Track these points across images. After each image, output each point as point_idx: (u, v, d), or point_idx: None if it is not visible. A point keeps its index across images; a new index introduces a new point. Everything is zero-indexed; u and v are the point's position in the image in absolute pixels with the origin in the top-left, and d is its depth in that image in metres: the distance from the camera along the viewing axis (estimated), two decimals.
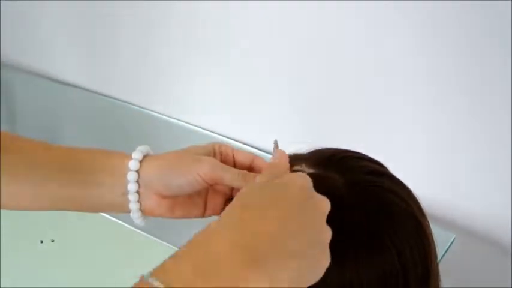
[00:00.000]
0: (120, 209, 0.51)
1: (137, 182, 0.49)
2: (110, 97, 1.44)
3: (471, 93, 0.96)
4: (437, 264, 0.52)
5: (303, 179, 0.41)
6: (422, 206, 0.52)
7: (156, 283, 0.33)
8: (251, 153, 0.52)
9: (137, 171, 0.49)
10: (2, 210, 0.53)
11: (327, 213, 0.40)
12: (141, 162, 0.50)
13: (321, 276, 0.39)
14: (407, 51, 0.99)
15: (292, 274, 0.36)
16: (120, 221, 1.34)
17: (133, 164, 0.49)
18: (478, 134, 0.99)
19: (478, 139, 0.99)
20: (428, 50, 0.97)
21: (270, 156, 0.49)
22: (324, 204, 0.40)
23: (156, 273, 0.34)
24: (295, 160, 0.51)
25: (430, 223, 0.52)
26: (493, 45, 0.91)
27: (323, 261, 0.39)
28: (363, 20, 1.01)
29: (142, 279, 0.34)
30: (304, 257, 0.37)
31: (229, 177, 0.48)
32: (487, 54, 0.92)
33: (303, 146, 0.55)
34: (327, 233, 0.39)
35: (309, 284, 0.38)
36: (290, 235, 0.37)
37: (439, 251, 0.90)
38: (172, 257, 0.35)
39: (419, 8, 0.93)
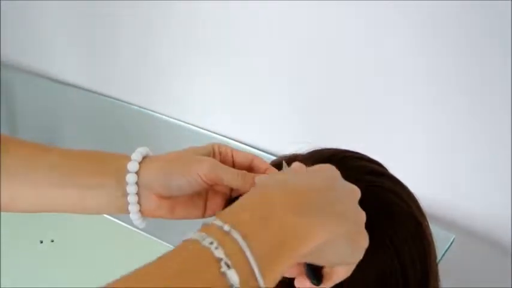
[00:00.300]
0: (119, 210, 0.51)
1: (136, 183, 0.49)
2: (110, 97, 1.44)
3: (471, 93, 0.97)
4: (436, 264, 0.52)
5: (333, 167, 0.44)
6: (421, 206, 0.52)
7: (219, 222, 0.35)
8: (250, 153, 0.52)
9: (136, 173, 0.49)
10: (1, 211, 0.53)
11: (358, 198, 0.42)
12: (140, 163, 0.49)
13: (361, 257, 0.41)
14: (407, 51, 0.99)
15: (344, 232, 0.38)
16: (120, 221, 1.34)
17: (132, 166, 0.49)
18: (478, 134, 0.99)
19: (478, 139, 1.00)
20: (428, 50, 0.97)
21: (269, 156, 0.49)
22: (357, 189, 0.42)
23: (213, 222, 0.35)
24: (295, 160, 0.51)
25: (430, 223, 0.52)
26: (493, 45, 0.91)
27: (362, 241, 0.41)
28: (363, 20, 1.01)
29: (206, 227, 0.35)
30: (350, 223, 0.39)
31: (229, 177, 0.48)
32: (487, 54, 0.92)
33: (303, 146, 0.55)
34: (363, 214, 0.41)
35: (351, 260, 0.41)
36: (337, 199, 0.39)
37: (439, 251, 0.90)
38: (228, 208, 0.37)
39: (419, 8, 0.94)
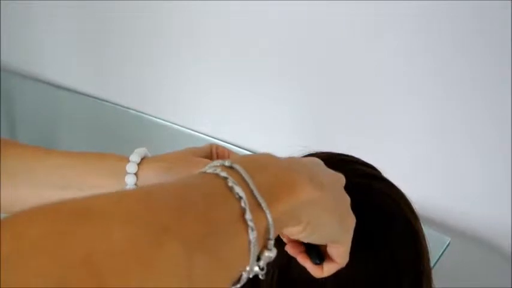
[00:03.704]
0: None
1: (135, 184, 0.50)
2: (109, 102, 1.45)
3: (471, 95, 0.97)
4: (430, 266, 0.52)
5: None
6: (415, 208, 0.53)
7: (220, 161, 0.35)
8: None
9: (135, 174, 0.50)
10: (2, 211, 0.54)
11: (343, 184, 0.43)
12: (138, 165, 0.50)
13: (351, 237, 0.42)
14: (408, 51, 0.99)
15: (333, 205, 0.39)
16: None
17: (131, 167, 0.50)
18: (476, 137, 0.99)
19: (475, 141, 1.00)
20: (428, 50, 0.97)
21: None
22: (341, 176, 0.44)
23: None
24: None
25: (426, 226, 0.53)
26: (493, 45, 0.91)
27: (349, 219, 0.42)
28: (362, 20, 1.01)
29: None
30: (333, 197, 0.40)
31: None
32: (488, 55, 0.92)
33: (299, 150, 0.56)
34: (348, 198, 0.43)
35: (341, 238, 0.42)
36: (322, 172, 0.41)
37: (435, 254, 0.91)
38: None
39: (420, 8, 0.94)
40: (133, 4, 1.28)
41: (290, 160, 0.40)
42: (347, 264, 0.44)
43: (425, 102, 1.02)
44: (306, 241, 0.42)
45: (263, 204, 0.33)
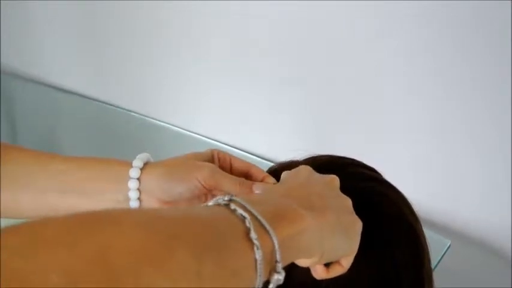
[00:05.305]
0: None
1: (138, 189, 0.50)
2: (110, 104, 1.45)
3: (471, 95, 0.97)
4: (430, 268, 0.53)
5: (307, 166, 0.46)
6: (415, 210, 0.53)
7: (220, 198, 0.36)
8: (248, 162, 0.53)
9: (138, 179, 0.50)
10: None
11: (338, 186, 0.44)
12: (141, 169, 0.50)
13: (359, 240, 0.43)
14: (408, 51, 0.99)
15: (333, 222, 0.40)
16: None
17: (134, 172, 0.50)
18: (477, 139, 0.99)
19: (476, 143, 1.00)
20: (428, 50, 0.97)
21: (267, 163, 0.51)
22: (335, 178, 0.44)
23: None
24: (291, 167, 0.52)
25: (426, 228, 0.53)
26: (493, 45, 0.91)
27: (356, 223, 0.42)
28: (362, 20, 1.01)
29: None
30: (333, 212, 0.40)
31: (227, 184, 0.49)
32: (489, 55, 0.92)
33: (300, 153, 0.56)
34: (348, 200, 0.43)
35: (353, 246, 0.43)
36: (313, 193, 0.41)
37: (435, 256, 0.91)
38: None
39: (420, 8, 0.94)
40: (133, 4, 1.28)
41: (276, 195, 0.41)
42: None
43: (425, 102, 1.02)
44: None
45: (267, 226, 0.34)
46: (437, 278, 0.54)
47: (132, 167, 0.50)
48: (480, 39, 0.92)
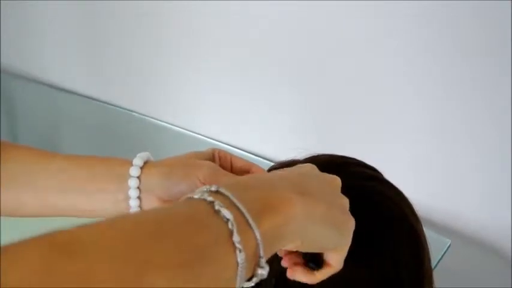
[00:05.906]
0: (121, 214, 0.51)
1: (138, 188, 0.50)
2: (110, 104, 1.45)
3: (471, 95, 0.97)
4: (431, 268, 0.53)
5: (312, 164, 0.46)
6: (416, 210, 0.53)
7: (206, 187, 0.36)
8: (249, 161, 0.53)
9: (138, 178, 0.50)
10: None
11: (339, 186, 0.44)
12: (141, 168, 0.50)
13: (350, 240, 0.42)
14: (408, 51, 0.99)
15: (322, 212, 0.39)
16: None
17: (134, 171, 0.50)
18: (477, 139, 0.99)
19: (476, 143, 1.00)
20: (428, 50, 0.97)
21: (268, 162, 0.51)
22: (336, 178, 0.44)
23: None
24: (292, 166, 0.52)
25: (426, 228, 0.53)
26: (493, 45, 0.91)
27: (349, 222, 0.42)
28: (363, 20, 1.01)
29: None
30: (326, 205, 0.40)
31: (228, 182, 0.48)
32: (489, 55, 0.92)
33: (301, 152, 0.56)
34: (345, 199, 0.43)
35: (342, 242, 0.42)
36: (310, 182, 0.41)
37: (435, 256, 0.91)
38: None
39: (421, 8, 0.94)
40: (133, 4, 1.28)
41: (272, 177, 0.41)
42: (348, 266, 0.44)
43: (425, 102, 1.02)
44: (305, 251, 0.42)
45: (252, 224, 0.34)
46: (437, 277, 0.54)
47: (132, 165, 0.50)
48: (480, 39, 0.92)
